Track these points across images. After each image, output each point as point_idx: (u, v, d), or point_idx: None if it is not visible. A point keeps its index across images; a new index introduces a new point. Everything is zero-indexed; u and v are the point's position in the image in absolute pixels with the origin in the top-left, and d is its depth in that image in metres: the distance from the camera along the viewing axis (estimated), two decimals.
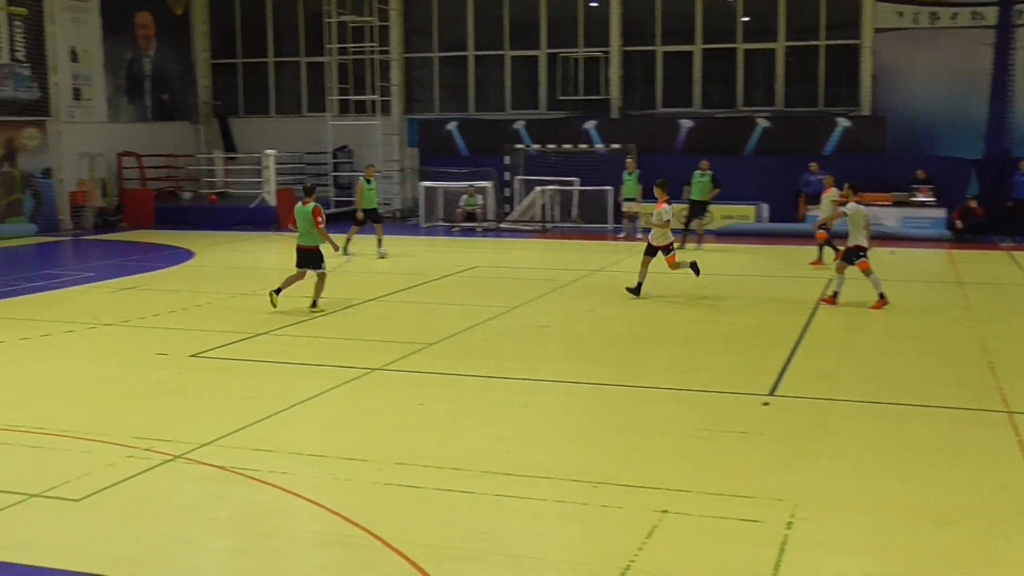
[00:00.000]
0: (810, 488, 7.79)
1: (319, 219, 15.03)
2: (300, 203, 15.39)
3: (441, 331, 13.66)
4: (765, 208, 26.72)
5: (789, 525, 6.99)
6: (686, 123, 28.62)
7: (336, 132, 30.45)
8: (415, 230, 28.03)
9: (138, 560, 6.56)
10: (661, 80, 29.90)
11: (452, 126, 30.50)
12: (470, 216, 27.76)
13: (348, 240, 21.96)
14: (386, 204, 30.66)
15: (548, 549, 6.74)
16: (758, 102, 29.05)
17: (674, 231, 23.75)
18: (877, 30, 27.58)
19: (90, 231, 27.42)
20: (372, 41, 30.43)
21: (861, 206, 15.79)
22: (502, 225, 27.65)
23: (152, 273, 19.76)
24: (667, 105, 29.80)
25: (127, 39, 30.56)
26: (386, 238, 22.35)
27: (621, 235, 25.43)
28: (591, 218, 27.22)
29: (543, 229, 27.28)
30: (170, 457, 8.45)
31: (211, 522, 7.22)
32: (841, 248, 16.25)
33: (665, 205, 16.45)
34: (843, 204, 16.80)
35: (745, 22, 29.19)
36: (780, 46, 28.78)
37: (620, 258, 21.04)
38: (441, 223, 28.35)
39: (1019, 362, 12.02)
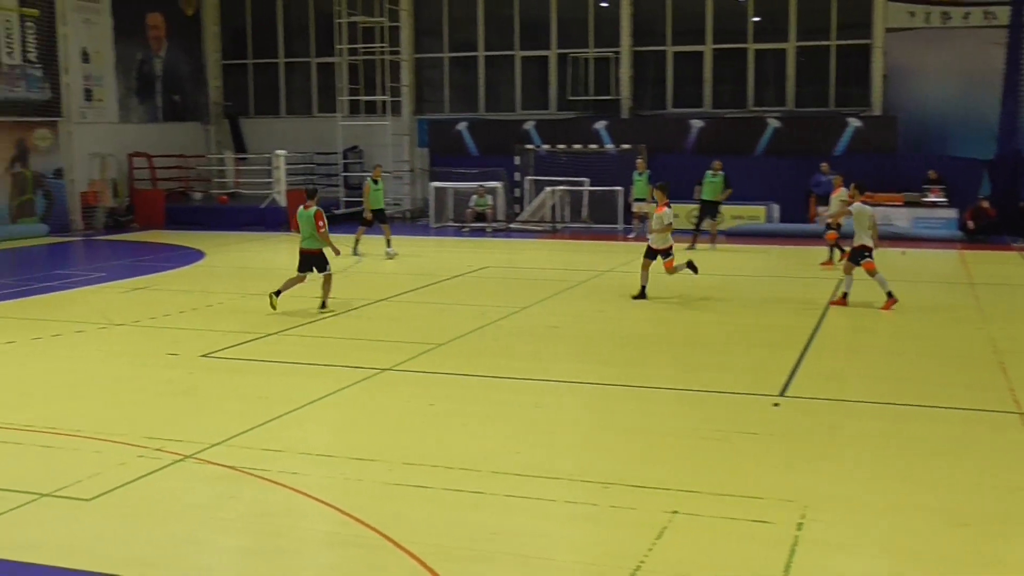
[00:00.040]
0: (821, 489, 7.77)
1: (320, 223, 14.97)
2: (302, 207, 15.37)
3: (451, 331, 13.66)
4: (776, 208, 26.67)
5: (800, 526, 6.97)
6: (697, 123, 28.58)
7: (346, 132, 30.49)
8: (425, 230, 28.05)
9: (149, 560, 6.57)
10: (672, 80, 29.86)
11: (462, 126, 30.51)
12: (480, 216, 27.76)
13: (357, 241, 21.99)
14: (396, 204, 30.75)
15: (558, 550, 6.73)
16: (769, 102, 28.99)
17: (684, 231, 23.96)
18: (888, 30, 27.50)
19: (101, 231, 27.49)
20: (382, 42, 30.45)
21: (866, 206, 15.75)
22: (512, 225, 27.65)
23: (163, 273, 19.80)
24: (678, 105, 29.76)
25: (138, 40, 30.64)
26: (396, 238, 22.37)
27: (631, 235, 25.40)
28: (601, 218, 27.20)
29: (553, 229, 27.27)
30: (181, 457, 8.47)
31: (221, 522, 7.23)
32: (847, 249, 16.21)
33: (666, 208, 16.34)
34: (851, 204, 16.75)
35: (756, 22, 29.14)
36: (791, 46, 28.72)
37: (630, 259, 20.96)
38: (451, 223, 28.35)
39: None
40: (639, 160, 25.55)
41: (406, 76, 31.46)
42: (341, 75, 30.91)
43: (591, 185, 27.52)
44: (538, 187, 28.15)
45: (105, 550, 6.70)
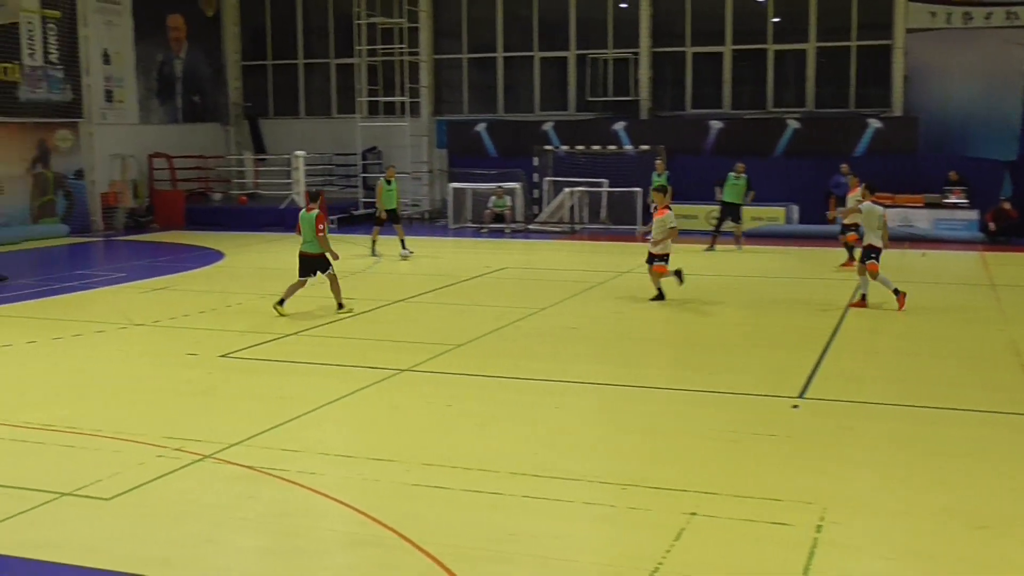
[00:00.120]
0: (840, 491, 7.73)
1: (320, 227, 14.93)
2: (304, 209, 15.35)
3: (470, 332, 13.66)
4: (795, 210, 26.58)
5: (819, 528, 6.94)
6: (716, 124, 28.51)
7: (365, 133, 30.55)
8: (443, 231, 28.07)
9: (167, 559, 6.59)
10: (691, 81, 29.80)
11: (481, 127, 30.53)
12: (498, 217, 27.76)
13: (374, 242, 22.04)
14: (415, 205, 30.81)
15: (576, 551, 6.72)
16: (788, 103, 28.88)
17: (704, 232, 23.91)
18: (909, 30, 27.36)
19: (121, 232, 27.64)
20: (401, 43, 30.52)
21: (877, 206, 15.68)
22: (530, 226, 27.64)
23: (182, 274, 19.89)
24: (697, 106, 29.69)
25: (159, 41, 30.79)
26: (415, 239, 22.41)
27: (650, 237, 25.29)
28: (620, 219, 27.16)
29: (572, 230, 27.25)
30: (200, 457, 8.50)
31: (240, 522, 7.25)
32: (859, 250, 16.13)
33: (667, 212, 16.22)
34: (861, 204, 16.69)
35: (776, 23, 29.04)
36: (811, 47, 28.61)
37: None
38: (469, 224, 28.36)
39: None
40: (658, 161, 25.51)
41: (425, 77, 31.50)
42: (360, 76, 30.98)
43: (610, 186, 27.48)
44: (557, 188, 28.13)
45: (124, 549, 6.73)
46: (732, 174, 22.88)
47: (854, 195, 19.57)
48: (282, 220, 28.00)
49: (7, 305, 16.17)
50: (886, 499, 7.59)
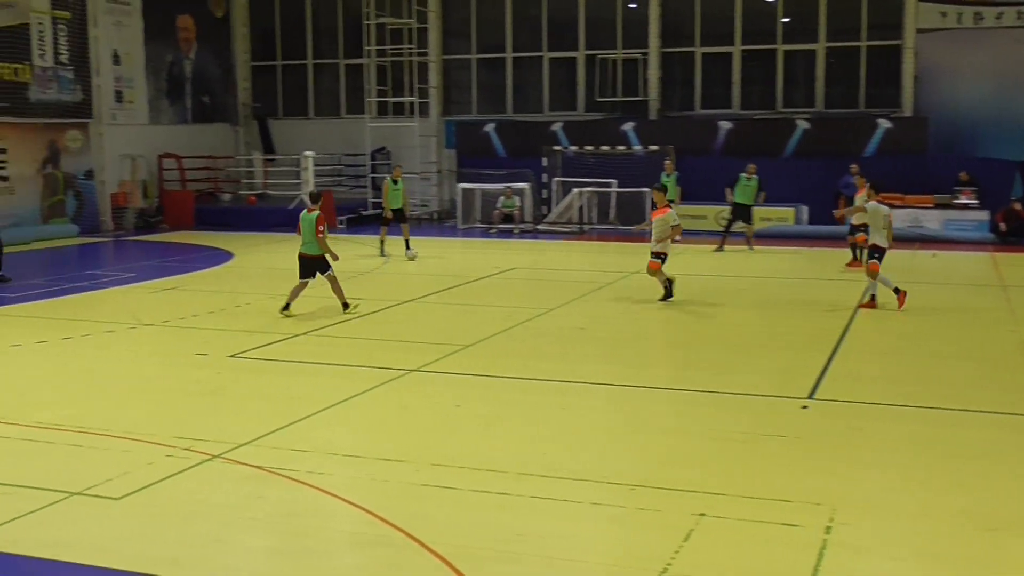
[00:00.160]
0: (849, 492, 7.71)
1: (320, 228, 14.91)
2: (306, 210, 15.33)
3: (478, 332, 13.66)
4: (804, 210, 26.53)
5: (828, 529, 6.92)
6: (725, 124, 28.48)
7: (374, 134, 30.58)
8: (452, 232, 28.09)
9: (177, 558, 6.60)
10: (700, 81, 29.76)
11: (490, 127, 30.54)
12: (507, 218, 27.76)
13: (382, 242, 22.06)
14: (424, 206, 30.83)
15: (584, 551, 6.71)
16: (798, 103, 28.83)
17: (714, 233, 23.88)
18: (919, 30, 27.28)
19: (131, 232, 27.70)
20: (410, 43, 30.54)
21: (882, 205, 15.65)
22: (539, 227, 27.64)
23: (192, 274, 19.92)
24: (706, 106, 29.66)
25: (168, 42, 30.86)
26: (425, 240, 22.43)
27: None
28: (629, 220, 27.11)
29: (580, 231, 27.24)
30: (209, 457, 8.51)
31: (249, 522, 7.26)
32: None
33: (668, 210, 16.16)
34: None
35: (785, 23, 28.99)
36: (820, 47, 28.56)
37: None
38: (478, 225, 28.36)
39: None
40: (667, 162, 25.48)
41: (434, 77, 31.51)
42: (369, 76, 31.02)
43: (619, 187, 27.46)
44: (565, 188, 28.13)
45: (133, 548, 6.74)
46: (743, 175, 22.81)
47: (861, 196, 19.55)
48: (291, 220, 27.70)
49: (17, 305, 16.23)
50: (896, 500, 7.57)
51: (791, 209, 26.47)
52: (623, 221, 27.18)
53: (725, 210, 23.75)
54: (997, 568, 6.47)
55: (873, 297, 15.50)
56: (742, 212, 22.86)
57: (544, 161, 28.35)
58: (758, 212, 24.84)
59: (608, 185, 27.64)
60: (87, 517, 7.29)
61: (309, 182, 28.36)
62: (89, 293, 17.61)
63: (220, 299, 16.74)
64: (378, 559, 6.64)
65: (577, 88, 30.70)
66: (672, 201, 24.50)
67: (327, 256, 14.95)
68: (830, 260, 21.07)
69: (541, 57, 31.00)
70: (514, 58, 31.27)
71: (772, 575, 6.33)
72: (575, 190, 27.71)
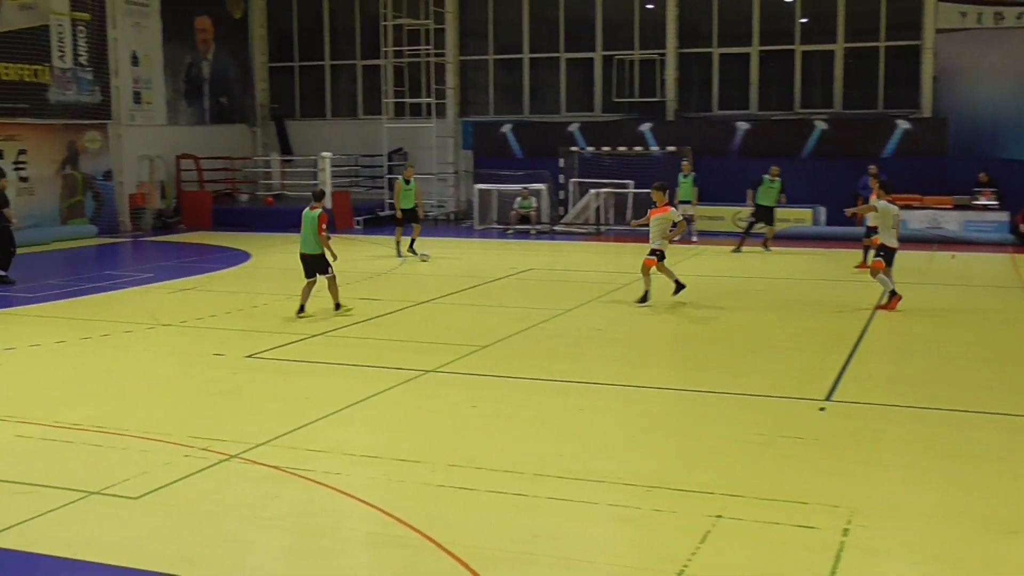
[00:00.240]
0: (867, 494, 7.67)
1: (323, 226, 14.92)
2: (308, 208, 15.32)
3: (495, 333, 13.66)
4: (823, 211, 26.43)
5: (845, 532, 6.89)
6: (743, 125, 28.42)
7: (391, 134, 30.63)
8: (469, 232, 28.09)
9: (193, 558, 6.62)
10: (717, 82, 29.70)
11: (507, 128, 30.56)
12: (524, 219, 27.76)
13: (398, 243, 22.08)
14: (440, 206, 30.87)
15: (600, 553, 6.70)
16: (816, 104, 28.74)
17: (733, 234, 23.82)
18: (939, 31, 27.15)
19: (149, 233, 27.82)
20: (427, 44, 30.59)
21: (892, 205, 15.59)
22: (556, 228, 27.63)
23: (209, 274, 19.99)
24: (723, 107, 29.59)
25: (187, 43, 30.99)
26: (441, 240, 22.46)
27: (676, 238, 25.21)
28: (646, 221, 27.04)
29: (597, 232, 27.21)
30: (226, 457, 8.53)
31: (265, 521, 7.27)
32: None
33: (670, 209, 16.07)
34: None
35: (803, 23, 28.90)
36: (839, 47, 28.46)
37: (675, 261, 20.84)
38: (495, 225, 28.36)
39: None
40: (684, 162, 25.42)
41: (451, 78, 31.55)
42: (386, 77, 31.07)
43: (636, 187, 27.40)
44: (582, 189, 28.11)
45: (151, 548, 6.76)
46: (767, 177, 22.72)
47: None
48: None
49: (36, 305, 16.31)
50: (914, 503, 7.53)
51: (809, 210, 26.38)
52: (640, 222, 27.09)
53: (743, 211, 23.68)
54: (1016, 572, 6.43)
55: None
56: (764, 214, 22.79)
57: (561, 162, 28.33)
58: (776, 213, 24.78)
59: (625, 186, 27.59)
60: (105, 516, 7.32)
61: (326, 183, 28.40)
62: (108, 293, 17.69)
63: (237, 299, 16.79)
64: (394, 559, 6.64)
65: (594, 89, 30.68)
66: (689, 202, 24.66)
67: (327, 255, 14.92)
68: (847, 261, 20.97)
69: (558, 58, 31.00)
70: (531, 59, 31.28)
71: None
72: (592, 191, 27.69)
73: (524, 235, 27.07)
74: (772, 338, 13.76)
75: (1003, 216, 24.83)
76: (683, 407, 10.31)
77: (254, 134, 33.68)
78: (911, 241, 23.25)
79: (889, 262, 15.41)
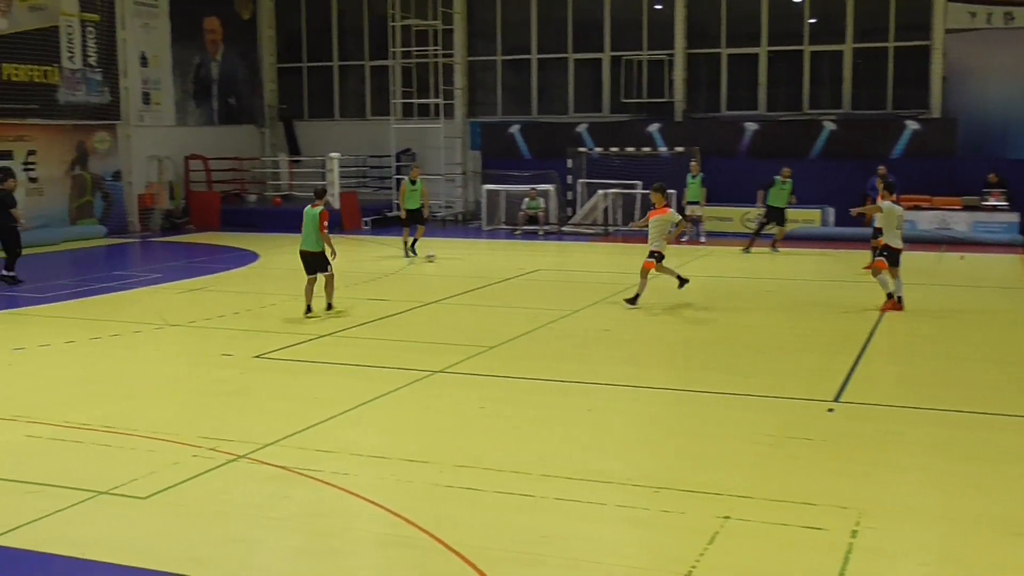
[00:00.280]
0: (876, 496, 7.66)
1: (324, 223, 15.02)
2: (309, 206, 15.40)
3: (503, 334, 13.66)
4: (831, 212, 26.38)
5: (854, 534, 6.88)
6: (751, 126, 28.38)
7: (399, 135, 30.65)
8: (477, 233, 28.10)
9: (202, 558, 6.63)
10: (726, 83, 29.63)
11: (515, 129, 30.55)
12: (532, 219, 27.75)
13: (405, 243, 22.10)
14: (448, 207, 30.87)
15: (608, 554, 6.69)
16: (825, 105, 28.66)
17: (743, 235, 23.79)
18: (948, 31, 27.05)
19: (157, 233, 27.86)
20: (436, 45, 30.58)
21: (897, 206, 15.56)
22: (564, 228, 27.62)
23: (218, 275, 20.02)
24: (732, 108, 29.54)
25: (195, 44, 31.04)
26: (449, 241, 22.48)
27: (684, 239, 25.20)
28: (645, 222, 27.01)
29: (605, 232, 27.19)
30: (234, 457, 8.55)
31: (273, 522, 7.28)
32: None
33: (668, 210, 16.01)
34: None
35: (812, 24, 28.84)
36: (848, 48, 28.38)
37: (683, 261, 20.86)
38: (503, 226, 28.36)
39: None
40: (693, 163, 25.41)
41: (459, 79, 31.55)
42: (394, 78, 31.10)
43: (644, 188, 27.35)
44: (590, 190, 28.10)
45: (159, 548, 6.78)
46: (778, 178, 22.68)
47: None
48: None
49: (46, 305, 16.35)
50: (923, 504, 7.51)
51: (817, 211, 26.32)
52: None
53: (752, 211, 23.65)
54: (1022, 574, 6.42)
55: (900, 299, 15.40)
56: (775, 215, 22.78)
57: (569, 162, 28.32)
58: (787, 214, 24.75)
59: (633, 187, 27.56)
60: (113, 516, 7.34)
61: (335, 183, 28.45)
62: (117, 294, 17.72)
63: (245, 300, 16.81)
64: (402, 560, 6.64)
65: (602, 89, 30.65)
66: (697, 202, 24.65)
67: (328, 252, 15.01)
68: (856, 262, 20.92)
69: (566, 58, 30.97)
70: (539, 59, 31.25)
71: None
72: (600, 192, 27.67)
73: (532, 236, 27.07)
74: (780, 339, 13.74)
75: (1013, 217, 24.73)
76: (691, 408, 10.30)
77: (262, 135, 33.73)
78: (920, 242, 23.23)
79: (895, 263, 15.37)
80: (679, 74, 29.53)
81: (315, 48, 33.59)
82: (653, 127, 28.86)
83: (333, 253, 15.13)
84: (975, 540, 6.88)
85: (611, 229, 27.31)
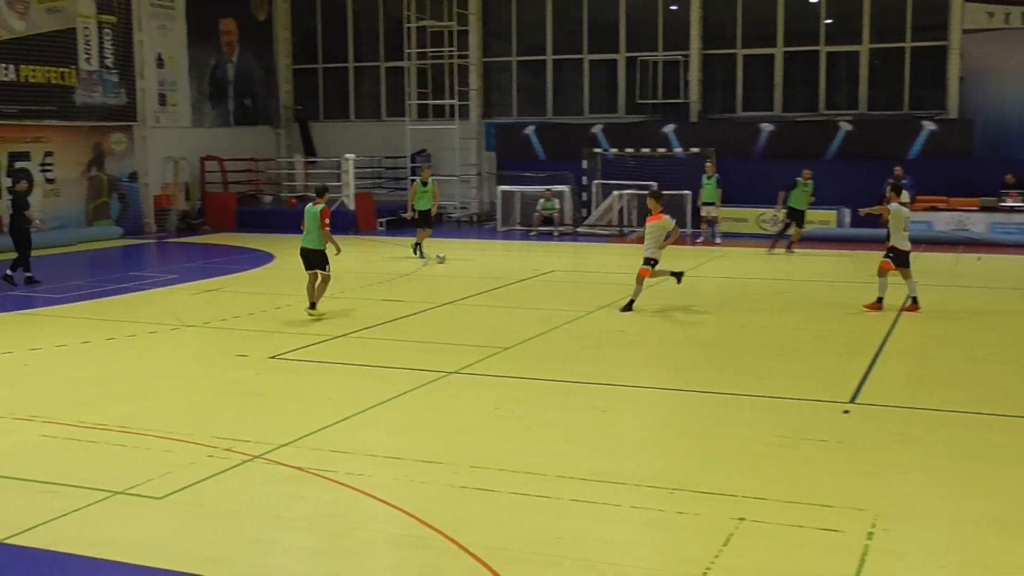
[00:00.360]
0: (892, 498, 7.63)
1: (326, 221, 15.10)
2: (311, 204, 15.47)
3: (517, 335, 13.65)
4: (847, 213, 26.27)
5: (870, 535, 6.85)
6: (767, 127, 28.30)
7: (414, 136, 30.69)
8: (492, 234, 28.10)
9: (217, 558, 6.65)
10: (741, 83, 29.58)
11: (530, 130, 30.55)
12: (547, 220, 27.75)
13: (418, 244, 22.10)
14: (463, 208, 30.89)
15: (623, 555, 6.68)
16: (841, 105, 28.57)
17: (764, 237, 23.73)
18: (965, 31, 26.93)
19: (173, 234, 27.97)
20: (451, 46, 30.63)
21: (903, 208, 15.49)
22: (579, 229, 27.60)
23: (233, 276, 20.08)
24: (747, 109, 29.47)
25: (211, 45, 31.15)
26: (464, 242, 22.49)
27: (699, 240, 25.19)
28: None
29: (620, 233, 27.16)
30: (249, 457, 8.56)
31: (289, 522, 7.29)
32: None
33: (664, 216, 15.90)
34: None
35: (828, 24, 28.75)
36: (864, 48, 28.29)
37: (699, 262, 20.86)
38: (518, 227, 28.37)
39: None
40: (708, 164, 25.36)
41: (474, 80, 31.57)
42: (410, 79, 31.13)
43: (659, 189, 27.30)
44: (605, 191, 28.07)
45: (175, 548, 6.79)
46: (800, 180, 22.64)
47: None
48: (331, 222, 28.11)
49: (62, 306, 16.43)
50: (939, 506, 7.47)
51: (833, 212, 26.22)
52: None
53: (768, 212, 23.57)
54: None
55: (914, 300, 15.33)
56: (796, 216, 22.74)
57: (584, 163, 28.30)
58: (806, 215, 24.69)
59: (648, 188, 27.45)
60: (129, 516, 7.36)
61: (350, 184, 28.50)
62: (133, 294, 17.79)
63: (261, 301, 16.85)
64: (417, 560, 6.65)
65: (617, 90, 30.63)
66: (713, 203, 24.60)
67: (330, 248, 15.12)
68: (872, 263, 20.80)
69: (581, 59, 30.96)
70: (554, 60, 31.25)
71: None
72: (615, 192, 27.64)
73: (547, 237, 27.06)
74: (796, 340, 13.70)
75: None
76: (706, 409, 10.27)
77: (278, 136, 33.82)
78: (937, 243, 23.16)
79: (904, 264, 15.31)
80: (694, 75, 29.48)
81: (330, 49, 33.66)
82: (668, 128, 28.81)
83: (337, 250, 15.24)
84: (993, 543, 6.84)
85: (626, 230, 27.27)
